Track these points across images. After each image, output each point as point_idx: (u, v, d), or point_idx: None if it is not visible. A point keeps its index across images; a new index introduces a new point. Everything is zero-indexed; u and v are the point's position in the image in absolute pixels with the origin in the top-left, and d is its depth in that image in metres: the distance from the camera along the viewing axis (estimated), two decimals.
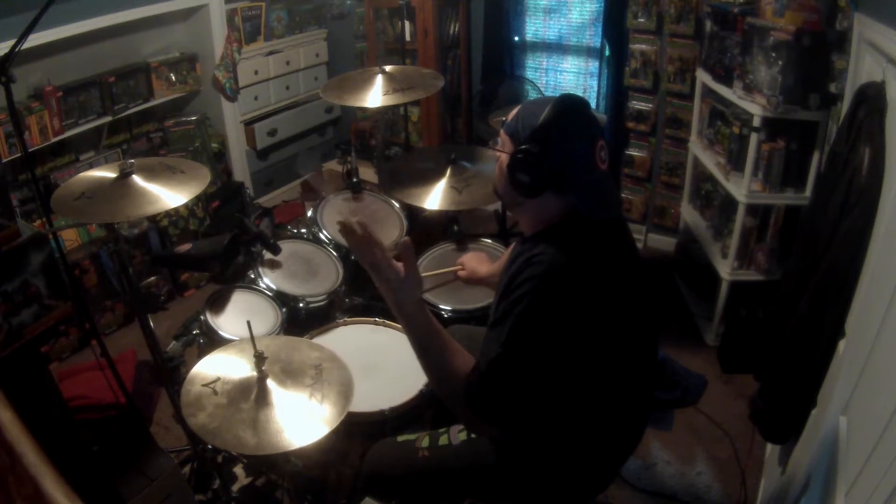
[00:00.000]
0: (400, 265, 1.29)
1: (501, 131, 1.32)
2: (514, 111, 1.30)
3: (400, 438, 1.51)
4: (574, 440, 1.34)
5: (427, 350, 1.29)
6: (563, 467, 1.37)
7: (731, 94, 2.51)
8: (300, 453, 1.50)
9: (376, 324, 1.94)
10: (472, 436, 1.43)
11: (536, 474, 1.37)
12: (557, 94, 1.27)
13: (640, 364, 1.38)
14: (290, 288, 2.06)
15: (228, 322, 1.90)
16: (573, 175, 1.22)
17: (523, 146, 1.21)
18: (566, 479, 1.39)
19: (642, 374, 1.40)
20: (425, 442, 1.47)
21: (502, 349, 1.18)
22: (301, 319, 2.01)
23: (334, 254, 2.22)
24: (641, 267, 1.36)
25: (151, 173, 1.69)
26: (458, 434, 1.46)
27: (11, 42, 1.42)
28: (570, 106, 1.23)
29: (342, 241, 2.24)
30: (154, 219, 3.08)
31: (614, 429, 1.39)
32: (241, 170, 3.82)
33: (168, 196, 1.63)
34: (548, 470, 1.36)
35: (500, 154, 1.31)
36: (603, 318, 1.23)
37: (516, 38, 3.66)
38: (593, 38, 3.44)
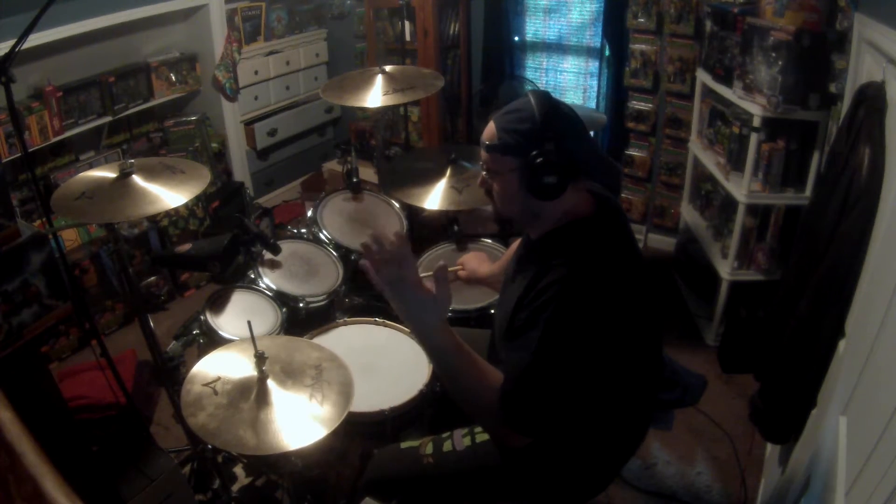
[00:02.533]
0: (429, 285, 1.21)
1: (487, 156, 1.26)
2: (491, 131, 1.24)
3: (403, 445, 1.50)
4: (582, 442, 1.33)
5: (457, 371, 1.24)
6: (568, 469, 1.36)
7: (731, 94, 2.51)
8: (300, 453, 1.50)
9: (376, 324, 1.93)
10: (477, 441, 1.42)
11: (541, 476, 1.36)
12: (524, 97, 1.24)
13: (650, 364, 1.37)
14: (290, 288, 2.06)
15: (228, 322, 1.89)
16: (584, 155, 1.23)
17: (535, 150, 1.18)
18: (570, 481, 1.39)
19: (651, 373, 1.40)
20: (429, 448, 1.45)
21: (533, 357, 1.15)
22: (301, 319, 2.01)
23: (334, 254, 2.22)
24: (644, 265, 1.36)
25: (151, 173, 1.69)
26: (462, 439, 1.45)
27: (11, 42, 1.42)
28: (547, 95, 1.23)
29: (342, 241, 2.25)
30: (154, 219, 3.08)
31: (621, 430, 1.38)
32: (241, 170, 3.82)
33: (168, 196, 1.63)
34: (552, 472, 1.35)
35: (499, 177, 1.26)
36: (624, 318, 1.23)
37: (516, 38, 3.66)
38: (593, 38, 3.44)
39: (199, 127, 3.48)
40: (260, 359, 1.39)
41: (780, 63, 2.27)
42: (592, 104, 3.53)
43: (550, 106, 1.21)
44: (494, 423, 1.22)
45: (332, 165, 4.16)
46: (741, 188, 2.50)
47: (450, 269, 2.01)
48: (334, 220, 2.34)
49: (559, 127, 1.20)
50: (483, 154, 1.29)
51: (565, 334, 1.15)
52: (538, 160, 1.18)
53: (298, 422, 1.32)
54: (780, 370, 1.78)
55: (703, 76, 2.82)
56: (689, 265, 3.16)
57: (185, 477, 1.96)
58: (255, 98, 3.83)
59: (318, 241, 2.26)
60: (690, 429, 2.37)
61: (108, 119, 3.06)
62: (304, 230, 2.32)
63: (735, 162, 2.59)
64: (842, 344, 1.52)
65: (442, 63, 3.69)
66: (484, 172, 1.32)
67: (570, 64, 3.62)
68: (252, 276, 2.08)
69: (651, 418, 1.48)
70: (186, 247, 1.94)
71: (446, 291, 1.22)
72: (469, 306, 2.00)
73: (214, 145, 3.58)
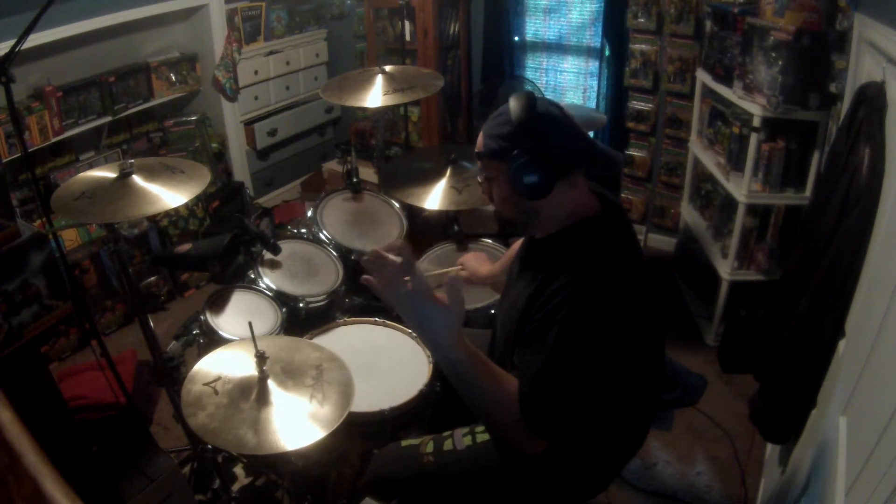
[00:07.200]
0: (442, 296, 1.19)
1: (480, 164, 1.31)
2: (479, 139, 1.28)
3: (404, 443, 1.49)
4: (586, 443, 1.33)
5: (474, 382, 1.21)
6: (569, 469, 1.36)
7: (731, 94, 2.51)
8: (300, 453, 1.50)
9: (376, 324, 1.93)
10: (478, 440, 1.42)
11: (542, 476, 1.36)
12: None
13: (654, 363, 1.37)
14: (290, 288, 2.06)
15: (228, 322, 1.90)
16: (573, 150, 1.23)
17: (516, 150, 1.19)
18: (571, 481, 1.39)
19: (655, 374, 1.40)
20: (429, 447, 1.44)
21: (550, 358, 1.15)
22: (301, 319, 2.01)
23: (334, 254, 2.22)
24: (647, 265, 1.36)
25: (151, 173, 1.69)
26: (462, 439, 1.44)
27: (11, 42, 1.42)
28: (526, 96, 1.23)
29: (342, 241, 2.25)
30: (154, 219, 3.08)
31: (625, 430, 1.38)
32: (241, 170, 3.82)
33: (168, 196, 1.63)
34: (554, 472, 1.35)
35: (493, 182, 1.29)
36: (635, 317, 1.23)
37: (516, 38, 3.66)
38: (593, 38, 3.44)
39: (199, 127, 3.48)
40: (261, 359, 1.39)
41: (780, 63, 2.27)
42: (592, 104, 3.53)
43: (529, 107, 1.20)
44: (513, 431, 1.21)
45: (332, 165, 4.16)
46: (741, 188, 2.50)
47: (450, 269, 2.01)
48: (334, 220, 2.34)
49: (538, 126, 1.20)
50: (477, 162, 1.32)
51: (581, 333, 1.15)
52: (518, 161, 1.19)
53: (299, 422, 1.32)
54: (779, 370, 1.77)
55: (703, 76, 2.82)
56: (689, 265, 3.16)
57: (185, 477, 1.96)
58: (255, 98, 3.83)
59: (318, 241, 2.26)
60: (690, 429, 2.37)
61: (108, 119, 3.06)
62: (304, 230, 2.32)
63: (735, 162, 2.59)
64: (842, 344, 1.52)
65: (442, 63, 3.69)
66: (482, 179, 1.34)
67: (570, 64, 3.62)
68: (252, 276, 2.08)
69: (652, 419, 1.48)
70: (186, 247, 1.94)
71: (460, 300, 1.19)
72: (469, 306, 2.00)
73: (214, 145, 3.58)
